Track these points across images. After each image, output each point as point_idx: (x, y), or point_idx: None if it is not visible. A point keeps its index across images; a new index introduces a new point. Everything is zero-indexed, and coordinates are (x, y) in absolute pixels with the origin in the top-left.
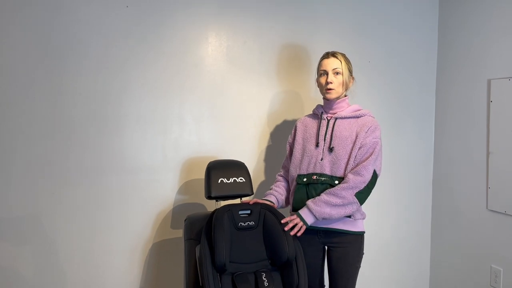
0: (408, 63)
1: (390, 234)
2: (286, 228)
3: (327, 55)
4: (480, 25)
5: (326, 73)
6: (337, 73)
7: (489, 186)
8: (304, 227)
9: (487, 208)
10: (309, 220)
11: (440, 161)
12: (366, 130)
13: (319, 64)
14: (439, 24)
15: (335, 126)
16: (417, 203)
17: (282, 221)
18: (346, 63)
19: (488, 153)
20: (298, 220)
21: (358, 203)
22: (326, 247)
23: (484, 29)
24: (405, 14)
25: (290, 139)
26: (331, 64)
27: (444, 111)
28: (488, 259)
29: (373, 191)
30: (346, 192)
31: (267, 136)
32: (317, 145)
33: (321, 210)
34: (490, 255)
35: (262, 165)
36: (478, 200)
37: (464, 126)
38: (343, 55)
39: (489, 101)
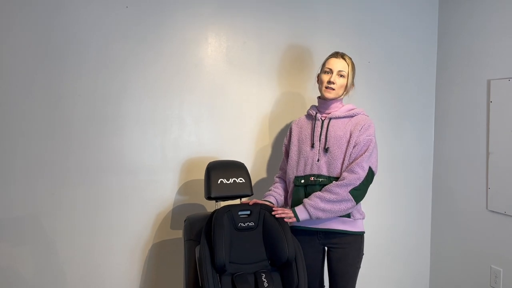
0: (408, 64)
1: (390, 234)
2: (273, 213)
3: (336, 55)
4: (480, 25)
5: (331, 71)
6: (342, 76)
7: (489, 187)
8: (294, 219)
9: (487, 208)
10: (302, 216)
11: (440, 161)
12: (359, 129)
13: (326, 61)
14: (439, 24)
15: (329, 126)
16: (417, 203)
17: (274, 208)
18: (352, 69)
19: (488, 154)
20: (290, 212)
21: (353, 200)
22: (326, 248)
23: (483, 29)
24: (405, 15)
25: (285, 141)
26: (338, 64)
27: (444, 111)
28: (488, 260)
29: (373, 191)
30: (340, 188)
31: (267, 137)
32: (312, 146)
33: (314, 204)
34: (490, 255)
35: (262, 165)
36: (478, 201)
37: (464, 126)
38: (351, 60)
39: (489, 102)
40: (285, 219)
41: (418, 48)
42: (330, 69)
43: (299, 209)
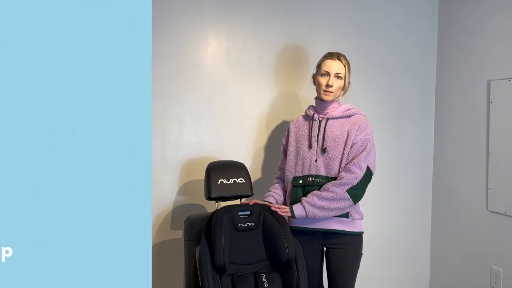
0: (408, 64)
1: (389, 234)
2: (272, 207)
3: (331, 56)
4: (480, 25)
5: (328, 74)
6: (339, 77)
7: (489, 187)
8: (289, 213)
9: (487, 209)
10: (297, 212)
11: (440, 161)
12: (357, 128)
13: (322, 63)
14: (439, 24)
15: (326, 127)
16: (416, 204)
17: (272, 207)
18: (349, 69)
19: (488, 154)
20: (286, 207)
21: (351, 199)
22: (324, 248)
23: (483, 29)
24: (405, 15)
25: (284, 141)
26: (335, 67)
27: (444, 112)
28: (488, 260)
29: (373, 191)
30: (337, 187)
31: (267, 137)
32: (310, 146)
33: (311, 201)
34: (490, 256)
35: (262, 165)
36: (478, 201)
37: (464, 127)
38: (347, 60)
39: (488, 102)
40: (279, 212)
41: (418, 49)
42: (327, 72)
43: (296, 206)
